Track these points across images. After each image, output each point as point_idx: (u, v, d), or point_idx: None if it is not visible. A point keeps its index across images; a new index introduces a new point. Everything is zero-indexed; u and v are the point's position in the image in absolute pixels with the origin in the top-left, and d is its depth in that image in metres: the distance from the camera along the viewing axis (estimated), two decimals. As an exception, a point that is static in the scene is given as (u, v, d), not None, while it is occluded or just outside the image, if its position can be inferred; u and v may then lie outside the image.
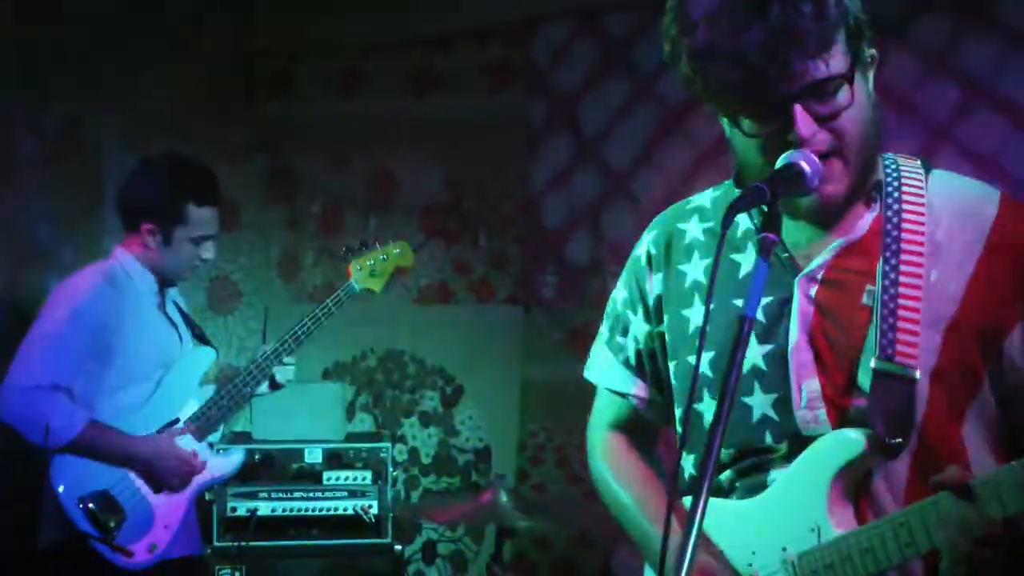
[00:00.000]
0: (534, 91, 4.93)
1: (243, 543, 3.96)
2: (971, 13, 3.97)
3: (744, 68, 1.57)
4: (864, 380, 1.67)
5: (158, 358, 3.44)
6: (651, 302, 1.92)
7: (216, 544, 3.99)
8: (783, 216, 1.57)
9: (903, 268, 1.68)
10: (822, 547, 1.68)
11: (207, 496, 3.92)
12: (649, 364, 1.95)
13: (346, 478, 4.16)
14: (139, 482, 3.35)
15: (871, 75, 1.69)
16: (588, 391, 2.08)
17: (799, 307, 1.72)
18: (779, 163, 1.61)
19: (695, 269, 1.87)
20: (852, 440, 1.66)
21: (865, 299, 1.70)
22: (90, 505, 3.23)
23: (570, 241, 4.86)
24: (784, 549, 1.72)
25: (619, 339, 1.98)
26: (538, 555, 4.85)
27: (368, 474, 4.17)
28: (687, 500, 1.78)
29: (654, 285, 1.92)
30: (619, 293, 1.99)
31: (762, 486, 1.76)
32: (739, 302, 1.68)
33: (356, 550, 4.09)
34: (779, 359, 1.73)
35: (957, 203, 1.73)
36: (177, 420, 3.44)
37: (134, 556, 3.26)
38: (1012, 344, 1.67)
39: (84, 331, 3.28)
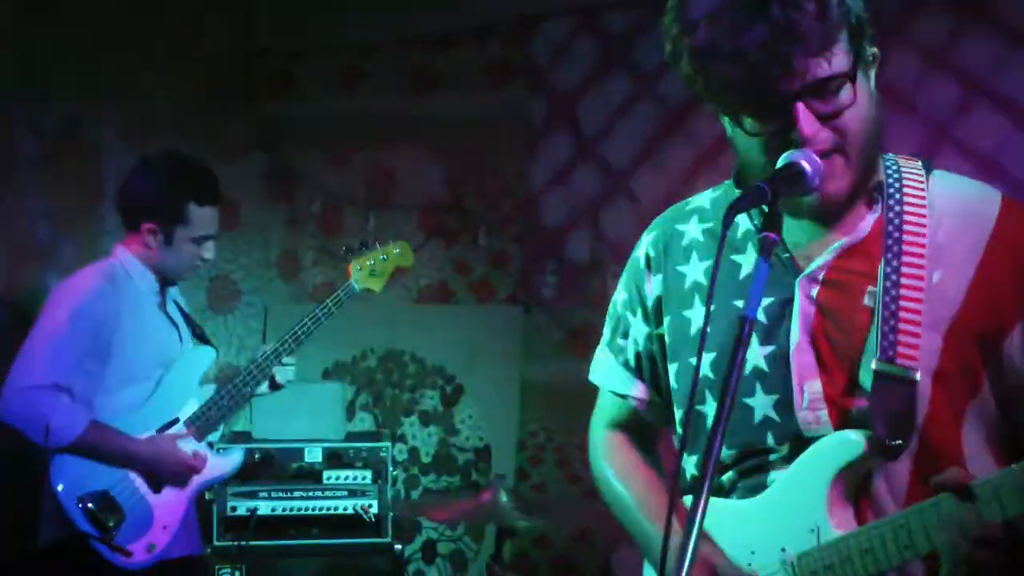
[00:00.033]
0: (534, 90, 4.93)
1: (243, 542, 3.96)
2: (971, 11, 3.96)
3: (745, 67, 1.57)
4: (866, 381, 1.67)
5: (158, 357, 3.44)
6: (650, 304, 1.92)
7: (216, 543, 3.99)
8: (784, 215, 1.56)
9: (904, 270, 1.67)
10: (821, 548, 1.68)
11: (207, 496, 3.92)
12: (648, 366, 1.95)
13: (346, 477, 4.16)
14: (139, 482, 3.35)
15: (873, 73, 1.69)
16: (588, 390, 2.08)
17: (800, 308, 1.72)
18: (779, 163, 1.61)
19: (695, 270, 1.86)
20: (852, 441, 1.66)
21: (866, 300, 1.69)
22: (89, 505, 3.23)
23: (570, 240, 4.86)
24: (783, 549, 1.72)
25: (619, 341, 1.98)
26: (538, 554, 4.85)
27: (368, 473, 4.17)
28: (688, 499, 1.78)
29: (653, 287, 1.91)
30: (619, 295, 1.99)
31: (762, 487, 1.76)
32: (740, 303, 1.68)
33: (356, 549, 4.09)
34: (780, 360, 1.73)
35: (958, 204, 1.73)
36: (177, 420, 3.44)
37: (133, 556, 3.25)
38: (1012, 345, 1.67)
39: (85, 331, 3.28)
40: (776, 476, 1.74)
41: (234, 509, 4.04)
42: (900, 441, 1.64)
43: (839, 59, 1.60)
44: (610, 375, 2.00)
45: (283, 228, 5.25)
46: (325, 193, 5.21)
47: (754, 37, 1.55)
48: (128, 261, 3.44)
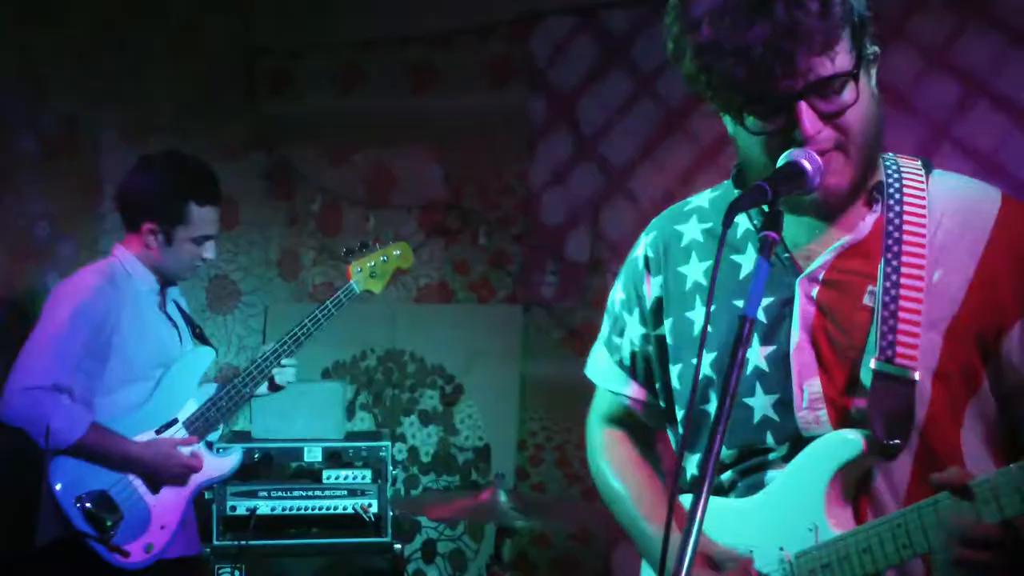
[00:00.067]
0: (534, 88, 4.92)
1: (243, 542, 3.96)
2: (971, 11, 3.96)
3: (749, 65, 1.56)
4: (866, 381, 1.67)
5: (158, 357, 3.44)
6: (648, 305, 1.92)
7: (216, 543, 3.99)
8: (784, 214, 1.56)
9: (904, 269, 1.67)
10: (819, 547, 1.68)
11: (207, 495, 3.92)
12: (643, 367, 1.95)
13: (346, 477, 4.16)
14: (137, 482, 3.34)
15: (874, 72, 1.69)
16: (588, 389, 2.08)
17: (800, 308, 1.72)
18: (780, 162, 1.61)
19: (695, 271, 1.86)
20: (850, 440, 1.66)
21: (866, 300, 1.69)
22: (87, 504, 3.22)
23: (570, 240, 4.86)
24: (781, 548, 1.72)
25: (616, 339, 1.98)
26: (538, 554, 4.85)
27: (368, 473, 4.17)
28: (686, 499, 1.78)
29: (652, 288, 1.91)
30: (617, 294, 1.99)
31: (761, 486, 1.76)
32: (740, 303, 1.68)
33: (356, 549, 4.09)
34: (781, 360, 1.73)
35: (958, 204, 1.73)
36: (176, 420, 3.43)
37: (130, 556, 3.25)
38: (1011, 344, 1.66)
39: (85, 331, 3.27)
40: (775, 475, 1.74)
41: (234, 509, 4.04)
42: (898, 440, 1.64)
43: (842, 58, 1.59)
44: (606, 373, 2.01)
45: (283, 227, 5.25)
46: (325, 192, 5.21)
47: (757, 35, 1.55)
48: (128, 261, 3.44)
